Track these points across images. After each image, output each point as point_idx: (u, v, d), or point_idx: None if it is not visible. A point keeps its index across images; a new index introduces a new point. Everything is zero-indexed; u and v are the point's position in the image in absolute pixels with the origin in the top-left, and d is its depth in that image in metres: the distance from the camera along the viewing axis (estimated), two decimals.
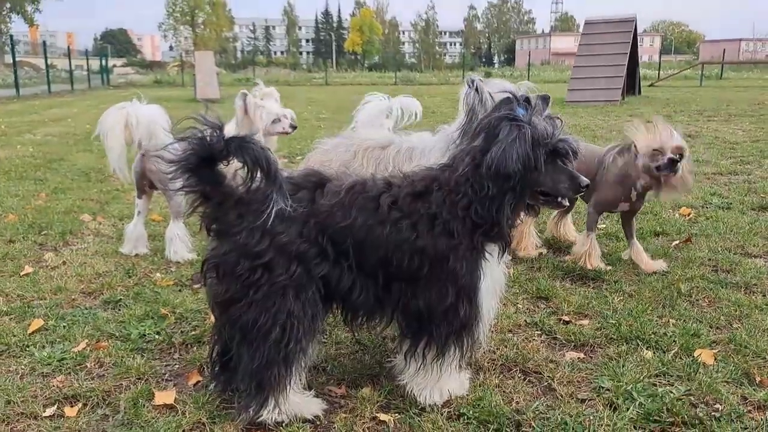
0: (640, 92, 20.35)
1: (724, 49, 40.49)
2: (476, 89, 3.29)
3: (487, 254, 2.18)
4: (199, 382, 2.60)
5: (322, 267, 2.17)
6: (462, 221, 2.11)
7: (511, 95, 2.15)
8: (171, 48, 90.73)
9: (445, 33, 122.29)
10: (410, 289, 2.21)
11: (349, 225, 2.15)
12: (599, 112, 14.26)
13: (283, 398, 2.24)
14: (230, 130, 4.67)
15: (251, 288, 2.13)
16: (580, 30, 20.86)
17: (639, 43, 20.10)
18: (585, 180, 2.17)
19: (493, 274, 2.25)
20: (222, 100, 19.16)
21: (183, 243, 4.21)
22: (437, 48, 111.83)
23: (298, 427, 2.25)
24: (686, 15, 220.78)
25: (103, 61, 37.78)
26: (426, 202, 2.15)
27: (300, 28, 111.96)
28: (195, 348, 2.90)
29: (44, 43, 30.82)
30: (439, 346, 2.24)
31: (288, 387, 2.23)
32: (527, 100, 2.16)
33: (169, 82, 35.69)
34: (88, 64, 34.54)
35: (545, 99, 2.26)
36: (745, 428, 2.17)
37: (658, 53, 55.34)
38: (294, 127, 4.91)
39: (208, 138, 2.12)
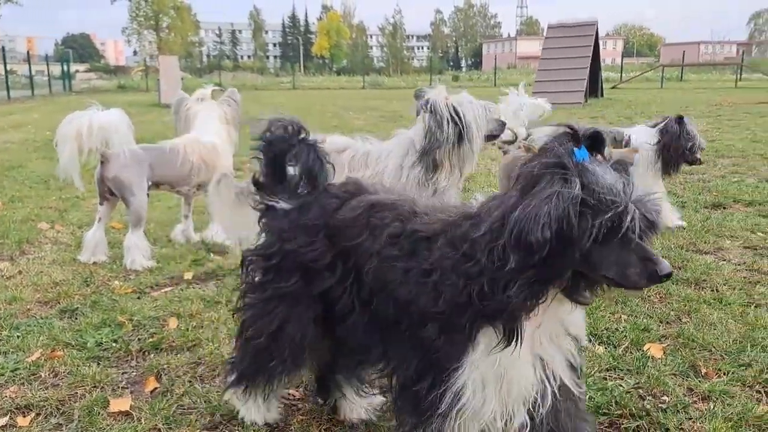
0: (602, 94, 20.74)
1: (684, 52, 41.51)
2: (431, 109, 3.31)
3: (479, 335, 1.61)
4: (156, 388, 2.59)
5: (325, 282, 1.98)
6: (456, 289, 1.59)
7: (570, 129, 1.51)
8: (135, 53, 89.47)
9: (412, 37, 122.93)
10: (386, 340, 1.88)
11: (354, 246, 1.91)
12: (563, 114, 14.46)
13: (255, 403, 2.28)
14: (215, 133, 4.65)
15: (256, 290, 2.13)
16: (545, 34, 21.18)
17: (602, 47, 20.47)
18: (667, 266, 1.47)
19: (492, 368, 1.64)
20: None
21: (141, 252, 4.17)
22: (405, 52, 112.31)
23: (255, 431, 2.27)
24: (648, 18, 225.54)
25: (65, 67, 37.09)
26: (428, 249, 1.72)
27: (267, 32, 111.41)
28: (152, 355, 2.88)
29: (2, 48, 30.14)
30: (398, 418, 1.87)
31: (264, 395, 2.25)
32: (596, 136, 1.51)
33: (133, 87, 35.22)
34: (48, 69, 33.89)
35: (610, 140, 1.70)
36: (690, 418, 2.24)
37: (620, 56, 56.44)
38: None
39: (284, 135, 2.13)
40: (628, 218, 1.42)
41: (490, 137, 3.55)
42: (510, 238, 1.44)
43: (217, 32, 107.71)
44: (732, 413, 2.24)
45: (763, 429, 2.17)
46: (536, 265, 1.44)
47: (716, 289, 3.48)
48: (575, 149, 1.47)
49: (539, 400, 1.68)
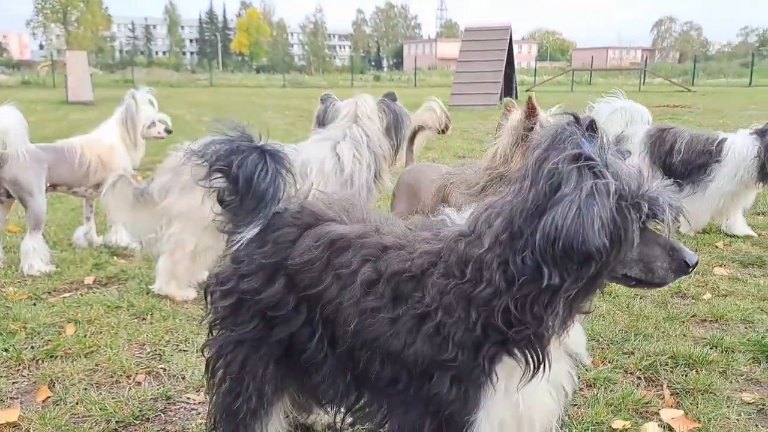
0: (517, 97, 21.37)
1: (592, 57, 43.33)
2: (325, 107, 3.42)
3: (497, 375, 1.41)
4: (48, 398, 2.50)
5: (289, 328, 1.74)
6: (466, 324, 1.37)
7: (572, 116, 1.34)
8: (41, 47, 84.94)
9: (334, 36, 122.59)
10: (383, 401, 1.62)
11: (318, 293, 1.64)
12: (479, 116, 14.85)
13: None
14: (115, 133, 4.48)
15: (218, 325, 1.87)
16: (462, 37, 21.65)
17: (518, 51, 21.11)
18: (693, 255, 1.38)
19: (511, 403, 1.46)
20: (95, 102, 18.20)
21: (40, 256, 3.99)
22: (326, 51, 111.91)
23: None
24: (559, 24, 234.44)
25: None
26: (418, 290, 1.46)
27: (183, 27, 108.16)
28: (46, 363, 2.77)
29: None
30: None
31: None
32: (593, 125, 1.35)
33: (38, 84, 33.39)
34: None
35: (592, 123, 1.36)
36: (575, 405, 2.37)
37: (534, 60, 58.40)
38: (169, 132, 4.79)
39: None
40: (665, 208, 1.30)
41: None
42: (555, 248, 1.23)
43: (131, 27, 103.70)
44: (613, 398, 2.39)
45: (640, 412, 2.32)
46: (585, 277, 1.27)
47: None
48: (582, 139, 1.29)
49: (558, 428, 1.57)
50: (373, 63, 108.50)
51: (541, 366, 1.38)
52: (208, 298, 1.89)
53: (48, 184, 4.14)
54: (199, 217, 3.33)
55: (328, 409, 2.06)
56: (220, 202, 1.88)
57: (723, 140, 4.62)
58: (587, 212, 1.21)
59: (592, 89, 30.78)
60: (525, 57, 78.89)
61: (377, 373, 1.56)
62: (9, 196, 4.05)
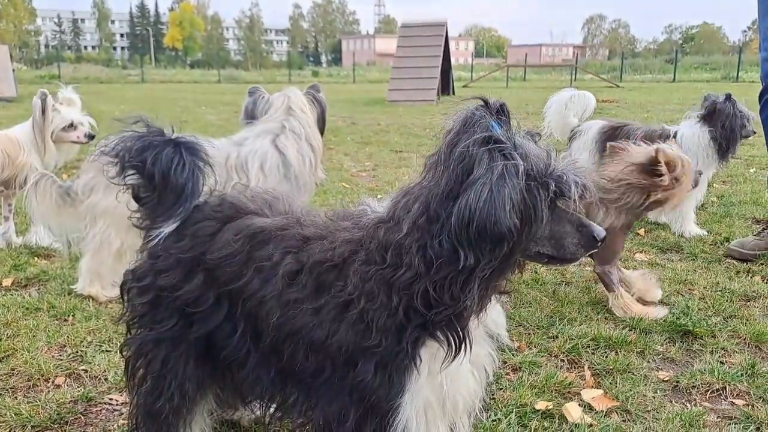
0: (454, 92, 21.66)
1: (526, 54, 44.38)
2: (254, 100, 3.40)
3: (421, 358, 1.43)
4: None
5: (209, 325, 1.71)
6: (388, 310, 1.37)
7: (482, 100, 1.35)
8: None
9: (270, 31, 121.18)
10: (308, 393, 1.60)
11: (239, 288, 1.61)
12: (417, 111, 14.97)
13: None
14: (25, 131, 4.28)
15: (136, 324, 1.82)
16: (398, 32, 21.75)
17: (454, 47, 21.36)
18: (600, 229, 1.43)
19: (434, 385, 1.47)
20: (19, 98, 17.41)
21: None
22: (263, 46, 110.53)
23: None
24: (495, 21, 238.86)
25: None
26: (340, 279, 1.46)
27: (113, 21, 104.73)
28: None
29: None
30: None
31: None
32: (503, 108, 1.36)
33: None
34: None
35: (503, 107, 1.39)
36: (501, 388, 2.42)
37: (471, 56, 59.28)
38: (91, 137, 4.56)
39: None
40: (571, 186, 1.32)
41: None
42: (469, 230, 1.24)
43: (57, 20, 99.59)
44: (537, 381, 2.45)
45: (563, 393, 2.39)
46: (498, 255, 1.28)
47: (535, 271, 3.78)
48: (492, 122, 1.30)
49: (479, 407, 1.60)
50: (311, 59, 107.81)
51: (463, 346, 1.39)
52: (125, 295, 1.84)
53: None
54: (125, 215, 3.24)
55: (254, 406, 2.05)
56: (136, 198, 1.83)
57: (675, 134, 4.56)
58: (498, 194, 1.23)
59: (526, 85, 31.54)
60: (462, 53, 79.96)
61: (301, 365, 1.54)
62: None
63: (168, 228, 1.77)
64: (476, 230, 1.24)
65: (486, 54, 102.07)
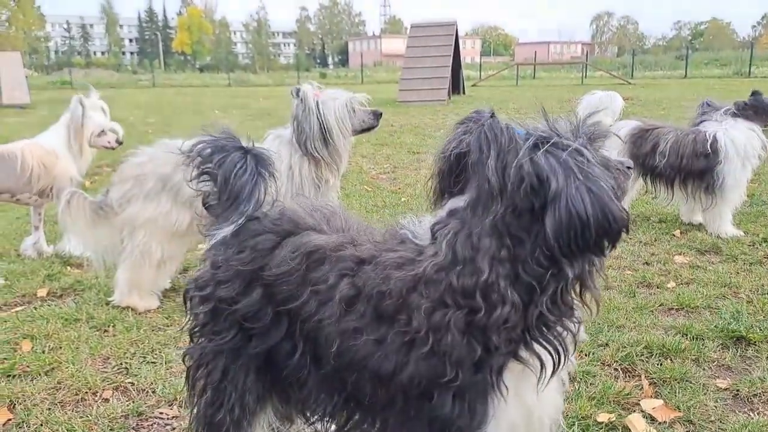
0: (464, 92, 21.59)
1: (536, 52, 44.21)
2: (301, 99, 3.26)
3: (506, 384, 1.32)
4: (9, 420, 2.36)
5: (268, 341, 1.66)
6: (466, 347, 1.27)
7: (487, 113, 1.32)
8: None
9: (278, 34, 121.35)
10: (381, 424, 1.51)
11: (297, 308, 1.56)
12: (428, 111, 14.91)
13: None
14: (58, 138, 4.27)
15: (198, 332, 1.79)
16: (408, 33, 21.71)
17: (462, 46, 21.31)
18: (627, 160, 1.41)
19: (520, 406, 1.38)
20: (33, 105, 17.50)
21: None
22: (271, 49, 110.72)
23: None
24: (502, 19, 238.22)
25: None
26: (401, 312, 1.34)
27: (121, 26, 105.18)
28: (3, 383, 2.61)
29: None
30: None
31: None
32: (494, 113, 1.33)
33: None
34: None
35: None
36: None
37: (478, 55, 59.16)
38: (120, 143, 4.57)
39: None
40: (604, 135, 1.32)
41: (365, 129, 3.48)
42: (585, 236, 1.15)
43: (66, 26, 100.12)
44: (594, 392, 2.40)
45: (622, 403, 2.34)
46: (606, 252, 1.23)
47: None
48: (513, 127, 1.26)
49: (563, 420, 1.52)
50: (318, 60, 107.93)
51: (562, 361, 1.32)
52: (188, 303, 1.81)
53: None
54: (166, 225, 3.22)
55: (317, 426, 2.01)
56: (205, 205, 1.83)
57: (714, 139, 4.37)
58: (599, 189, 1.16)
59: (536, 83, 31.40)
60: (469, 52, 79.79)
61: (370, 395, 1.46)
62: None
63: (224, 231, 1.75)
64: (594, 233, 1.16)
65: (493, 52, 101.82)
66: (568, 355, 1.33)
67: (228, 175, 1.73)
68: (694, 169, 4.42)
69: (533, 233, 1.21)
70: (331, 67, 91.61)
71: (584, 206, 1.15)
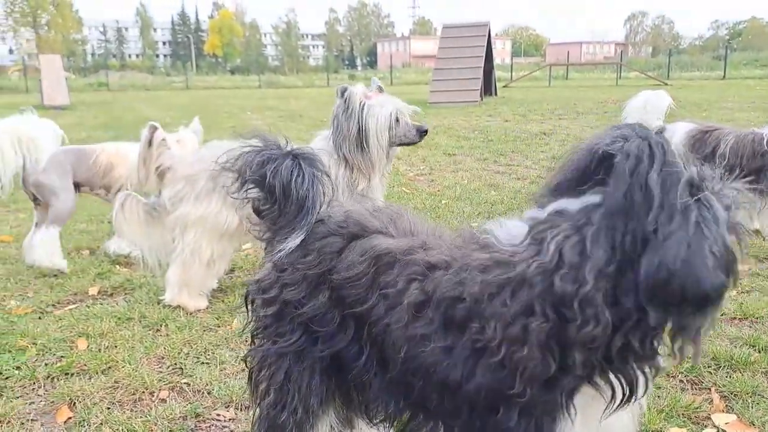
0: (496, 93, 21.43)
1: (568, 52, 43.74)
2: (345, 99, 3.22)
3: (575, 407, 1.27)
4: (70, 418, 2.37)
5: (334, 345, 1.64)
6: (540, 362, 1.20)
7: (658, 132, 1.24)
8: (11, 51, 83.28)
9: (307, 36, 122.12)
10: (443, 427, 1.48)
11: (365, 312, 1.53)
12: (461, 113, 14.82)
13: None
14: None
15: (260, 334, 1.79)
16: (438, 33, 21.64)
17: (493, 47, 21.14)
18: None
19: (588, 429, 1.33)
20: (72, 106, 17.85)
21: (47, 250, 3.98)
22: (300, 51, 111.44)
23: None
24: (532, 19, 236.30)
25: None
26: (473, 319, 1.29)
27: (155, 29, 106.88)
28: (62, 381, 2.64)
29: None
30: None
31: None
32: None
33: (10, 88, 32.67)
34: None
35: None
36: None
37: (509, 56, 58.76)
38: None
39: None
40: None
41: (406, 143, 3.38)
42: (670, 287, 1.08)
43: (102, 29, 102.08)
44: (663, 405, 2.32)
45: (692, 417, 2.26)
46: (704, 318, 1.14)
47: None
48: (679, 161, 1.16)
49: None
50: (346, 62, 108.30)
51: (634, 396, 1.23)
52: (250, 305, 1.80)
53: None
54: (216, 224, 3.23)
55: (380, 428, 1.98)
56: (256, 212, 1.80)
57: None
58: (699, 248, 1.07)
59: (570, 84, 31.03)
60: (500, 53, 79.28)
61: (435, 403, 1.42)
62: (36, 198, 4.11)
63: (294, 241, 1.73)
64: (674, 290, 1.07)
65: (524, 53, 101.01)
66: (639, 391, 1.25)
67: (287, 184, 1.70)
68: (752, 169, 4.28)
69: (641, 263, 1.12)
70: (359, 68, 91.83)
71: (674, 259, 1.07)
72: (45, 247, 3.93)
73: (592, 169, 1.23)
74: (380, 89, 3.35)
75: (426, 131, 3.36)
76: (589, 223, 1.18)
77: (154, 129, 3.96)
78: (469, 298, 1.30)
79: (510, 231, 1.37)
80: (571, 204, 1.24)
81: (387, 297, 1.48)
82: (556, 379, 1.22)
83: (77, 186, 4.20)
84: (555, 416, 1.27)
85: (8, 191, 3.99)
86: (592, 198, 1.21)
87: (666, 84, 25.00)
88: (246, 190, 1.78)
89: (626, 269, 1.13)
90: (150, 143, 3.98)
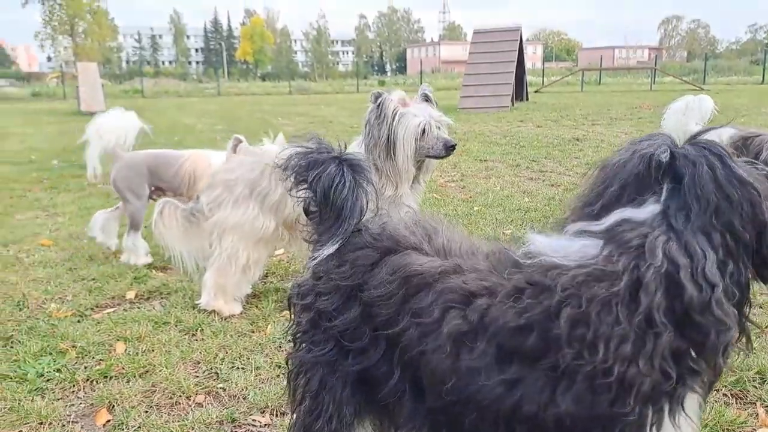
0: (527, 98, 21.29)
1: (601, 56, 43.21)
2: (378, 105, 3.19)
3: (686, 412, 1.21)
4: (109, 421, 2.41)
5: (364, 362, 1.60)
6: (662, 366, 1.13)
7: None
8: (49, 59, 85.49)
9: (337, 42, 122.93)
10: None
11: (396, 335, 1.47)
12: (491, 118, 14.75)
13: None
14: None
15: (298, 340, 1.78)
16: (468, 39, 21.58)
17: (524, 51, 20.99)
18: None
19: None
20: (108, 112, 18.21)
21: (138, 251, 4.31)
22: (330, 57, 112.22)
23: None
24: (564, 24, 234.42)
25: None
26: (538, 344, 1.21)
27: (188, 37, 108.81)
28: (101, 384, 2.68)
29: None
30: None
31: None
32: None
33: (48, 95, 33.56)
34: None
35: None
36: None
37: (541, 61, 58.28)
38: None
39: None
40: None
41: (433, 156, 3.27)
42: None
43: (137, 37, 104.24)
44: (706, 419, 2.26)
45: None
46: None
47: None
48: None
49: None
50: (376, 68, 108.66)
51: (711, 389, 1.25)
52: (291, 308, 1.81)
53: (152, 188, 4.33)
54: (252, 230, 3.26)
55: None
56: (306, 212, 1.80)
57: None
58: None
59: (603, 89, 30.69)
60: (531, 58, 78.74)
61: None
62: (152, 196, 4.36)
63: (328, 250, 1.72)
64: None
65: (555, 58, 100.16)
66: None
67: (327, 191, 1.69)
68: None
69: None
70: (389, 74, 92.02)
71: None
72: (131, 251, 4.29)
73: (650, 178, 1.22)
74: (426, 98, 3.27)
75: (453, 146, 3.24)
76: (681, 226, 1.17)
77: (238, 141, 3.98)
78: (526, 321, 1.22)
79: (564, 248, 1.28)
80: (637, 213, 1.21)
81: (421, 324, 1.41)
82: (674, 390, 1.16)
83: (159, 190, 4.30)
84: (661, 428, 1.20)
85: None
86: (655, 206, 1.20)
87: (701, 89, 24.54)
88: (298, 190, 1.78)
89: (739, 264, 1.15)
90: (234, 152, 4.00)
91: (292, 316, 1.80)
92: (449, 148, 3.23)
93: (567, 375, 1.18)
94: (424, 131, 3.16)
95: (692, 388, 1.19)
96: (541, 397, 1.21)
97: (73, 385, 2.68)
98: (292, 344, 1.81)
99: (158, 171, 4.25)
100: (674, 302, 1.13)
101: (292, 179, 1.75)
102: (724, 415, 2.27)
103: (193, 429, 2.33)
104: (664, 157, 1.20)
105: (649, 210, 1.21)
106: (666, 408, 1.17)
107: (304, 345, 1.77)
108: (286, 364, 1.85)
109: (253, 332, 3.20)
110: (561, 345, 1.18)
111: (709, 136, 3.60)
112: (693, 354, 1.14)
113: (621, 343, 1.13)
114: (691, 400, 1.21)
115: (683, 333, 1.13)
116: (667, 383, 1.14)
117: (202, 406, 2.51)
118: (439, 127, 3.19)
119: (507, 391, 1.25)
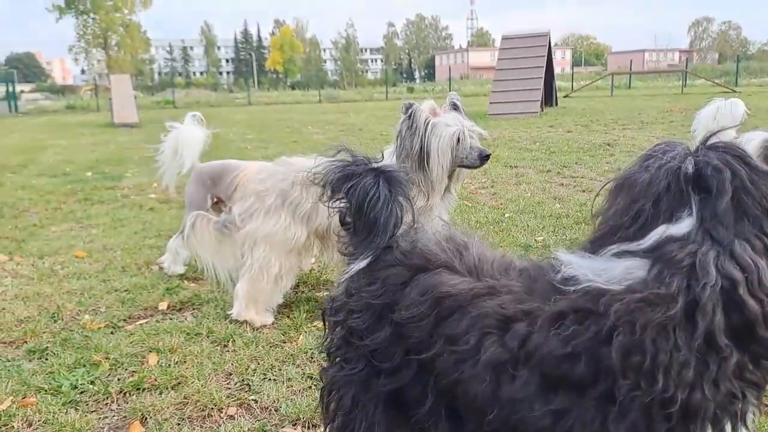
0: (557, 103, 21.07)
1: (631, 60, 42.63)
2: (409, 115, 3.17)
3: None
4: None
5: (396, 383, 1.57)
6: (729, 387, 1.11)
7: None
8: (83, 72, 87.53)
9: (365, 50, 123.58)
10: None
11: (430, 359, 1.44)
12: (521, 124, 14.62)
13: None
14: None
15: (332, 355, 1.75)
16: (496, 45, 21.48)
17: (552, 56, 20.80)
18: None
19: None
20: (140, 123, 18.53)
21: (177, 258, 4.31)
22: (359, 65, 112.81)
23: None
24: (593, 28, 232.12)
25: (10, 87, 35.80)
26: (587, 372, 1.17)
27: (219, 48, 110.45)
28: (134, 396, 2.68)
29: None
30: None
31: None
32: None
33: (82, 107, 34.28)
34: None
35: None
36: None
37: (570, 65, 57.74)
38: None
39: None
40: None
41: (466, 166, 3.26)
42: None
43: (168, 49, 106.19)
44: None
45: None
46: None
47: None
48: None
49: None
50: (404, 75, 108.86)
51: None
52: (325, 323, 1.78)
53: (214, 199, 4.32)
54: (284, 240, 3.25)
55: None
56: (342, 222, 1.77)
57: None
58: None
59: (633, 93, 30.25)
60: (560, 62, 78.02)
61: None
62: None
63: (359, 265, 1.68)
64: None
65: (584, 62, 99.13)
66: None
67: (361, 203, 1.66)
68: None
69: None
70: (417, 81, 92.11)
71: None
72: (173, 255, 4.30)
73: (680, 193, 1.18)
74: (454, 106, 3.25)
75: (488, 156, 3.22)
76: (723, 238, 1.13)
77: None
78: (572, 350, 1.17)
79: (606, 270, 1.22)
80: (678, 229, 1.16)
81: (456, 351, 1.36)
82: (739, 410, 1.13)
83: (221, 201, 4.28)
84: None
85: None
86: (690, 219, 1.16)
87: (734, 91, 24.05)
88: (335, 201, 1.75)
89: None
90: None
91: (326, 330, 1.77)
92: (484, 158, 3.20)
93: (620, 404, 1.13)
94: (458, 140, 3.14)
95: (752, 402, 1.14)
96: (591, 427, 1.17)
97: (107, 398, 2.69)
98: (326, 359, 1.79)
99: (218, 182, 4.24)
100: (734, 319, 1.08)
101: (329, 191, 1.73)
102: (764, 426, 2.18)
103: None
104: (691, 168, 1.17)
105: (686, 224, 1.16)
106: (728, 427, 1.13)
107: (337, 361, 1.75)
108: (320, 378, 1.83)
109: (285, 342, 3.18)
110: (612, 374, 1.12)
111: (741, 140, 3.54)
112: (751, 367, 1.10)
113: (682, 369, 1.08)
114: (749, 413, 1.17)
115: (745, 349, 1.09)
116: (733, 404, 1.10)
117: (234, 419, 2.50)
118: (471, 137, 3.16)
119: (554, 422, 1.20)
